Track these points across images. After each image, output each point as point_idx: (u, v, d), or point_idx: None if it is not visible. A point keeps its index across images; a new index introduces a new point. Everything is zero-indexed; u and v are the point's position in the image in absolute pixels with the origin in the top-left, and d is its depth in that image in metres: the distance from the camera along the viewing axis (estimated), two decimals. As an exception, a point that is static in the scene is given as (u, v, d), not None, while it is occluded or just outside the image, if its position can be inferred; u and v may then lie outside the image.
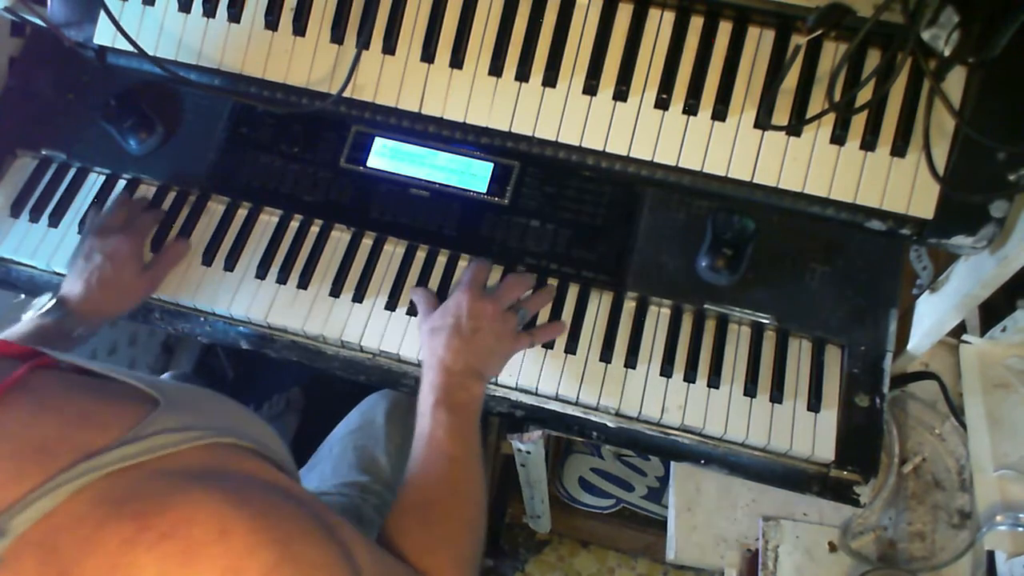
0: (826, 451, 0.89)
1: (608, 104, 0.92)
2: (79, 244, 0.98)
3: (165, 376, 1.19)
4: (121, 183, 1.06)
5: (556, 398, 0.94)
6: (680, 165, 0.92)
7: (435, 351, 0.86)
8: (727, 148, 0.91)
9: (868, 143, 0.88)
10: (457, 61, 0.95)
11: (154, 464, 0.50)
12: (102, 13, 1.00)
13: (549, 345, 0.94)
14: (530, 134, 0.94)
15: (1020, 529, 0.91)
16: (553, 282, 0.97)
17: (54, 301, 0.89)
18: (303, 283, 0.99)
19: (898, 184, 0.88)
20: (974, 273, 0.86)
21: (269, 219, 1.03)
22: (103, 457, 0.48)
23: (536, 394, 0.94)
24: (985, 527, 0.94)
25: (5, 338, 0.84)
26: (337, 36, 0.97)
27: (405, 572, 0.70)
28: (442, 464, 0.79)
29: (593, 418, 0.93)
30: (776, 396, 0.91)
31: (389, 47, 0.96)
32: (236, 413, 0.66)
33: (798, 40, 0.84)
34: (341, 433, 1.19)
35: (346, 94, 0.96)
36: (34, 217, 1.04)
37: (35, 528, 0.45)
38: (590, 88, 0.92)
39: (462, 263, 0.99)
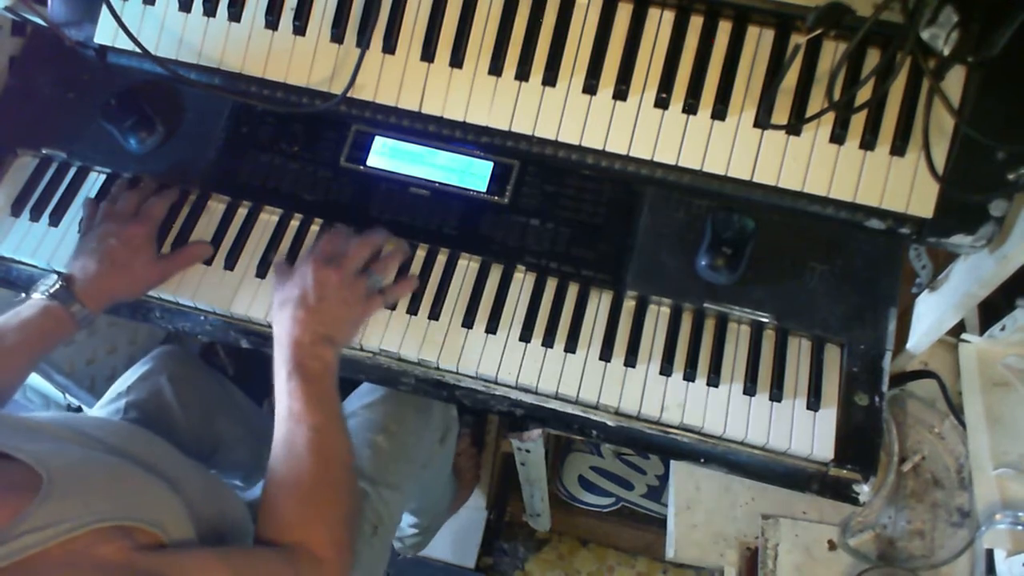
0: (825, 450, 0.89)
1: (608, 103, 0.92)
2: (90, 228, 0.98)
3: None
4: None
5: (556, 397, 0.94)
6: (680, 164, 0.92)
7: (283, 324, 0.87)
8: (727, 147, 0.91)
9: (867, 142, 0.88)
10: (457, 60, 0.95)
11: (12, 570, 0.54)
12: (103, 12, 1.00)
13: (549, 344, 0.94)
14: (530, 133, 0.94)
15: (1019, 527, 0.92)
16: (553, 282, 0.97)
17: (61, 283, 0.90)
18: (303, 282, 0.98)
19: (897, 183, 0.88)
20: (973, 272, 0.86)
21: (269, 218, 1.03)
22: None
23: (536, 393, 0.94)
24: (984, 525, 0.94)
25: (13, 321, 0.87)
26: (337, 36, 0.97)
27: (278, 567, 0.74)
28: (305, 435, 0.80)
29: (593, 417, 0.93)
30: (775, 395, 0.91)
31: (389, 46, 0.96)
32: (126, 485, 0.69)
33: (798, 39, 0.85)
34: None
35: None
36: (34, 216, 1.04)
37: None
38: (590, 87, 0.92)
39: (462, 262, 0.99)
